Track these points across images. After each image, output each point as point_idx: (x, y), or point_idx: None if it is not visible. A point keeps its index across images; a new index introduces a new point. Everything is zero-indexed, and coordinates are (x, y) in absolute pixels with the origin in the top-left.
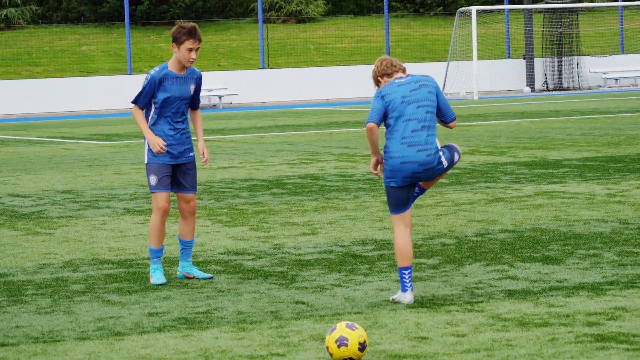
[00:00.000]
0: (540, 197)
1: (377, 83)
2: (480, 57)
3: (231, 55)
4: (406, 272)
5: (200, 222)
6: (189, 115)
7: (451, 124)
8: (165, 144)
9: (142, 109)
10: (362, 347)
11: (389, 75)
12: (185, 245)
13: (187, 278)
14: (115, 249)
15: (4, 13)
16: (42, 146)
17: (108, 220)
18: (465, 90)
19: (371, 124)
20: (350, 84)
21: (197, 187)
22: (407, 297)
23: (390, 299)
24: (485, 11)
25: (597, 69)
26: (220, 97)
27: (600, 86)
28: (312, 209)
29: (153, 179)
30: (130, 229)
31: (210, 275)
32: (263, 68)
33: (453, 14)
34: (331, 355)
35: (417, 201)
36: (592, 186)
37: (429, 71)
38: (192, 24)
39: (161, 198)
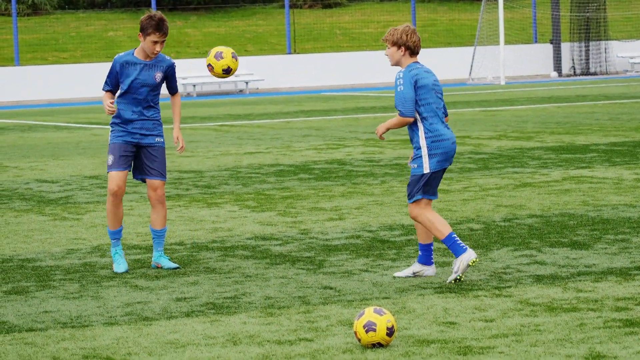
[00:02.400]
0: (568, 182)
1: (397, 48)
2: (507, 42)
3: (258, 40)
4: (455, 235)
5: (228, 207)
6: (157, 105)
7: (447, 119)
8: (113, 101)
9: (110, 92)
10: (390, 332)
11: (413, 53)
12: (156, 235)
13: (157, 268)
14: (142, 234)
15: None
16: (69, 132)
17: (135, 205)
18: (492, 75)
19: (411, 119)
20: (377, 69)
21: (221, 171)
22: (471, 253)
23: (411, 273)
24: None
25: (624, 53)
26: (247, 83)
27: (627, 71)
28: (339, 194)
29: (110, 158)
30: None
31: (177, 265)
32: (289, 53)
33: None
34: (359, 340)
35: (444, 186)
36: (620, 171)
37: (456, 56)
38: (160, 15)
39: (112, 179)
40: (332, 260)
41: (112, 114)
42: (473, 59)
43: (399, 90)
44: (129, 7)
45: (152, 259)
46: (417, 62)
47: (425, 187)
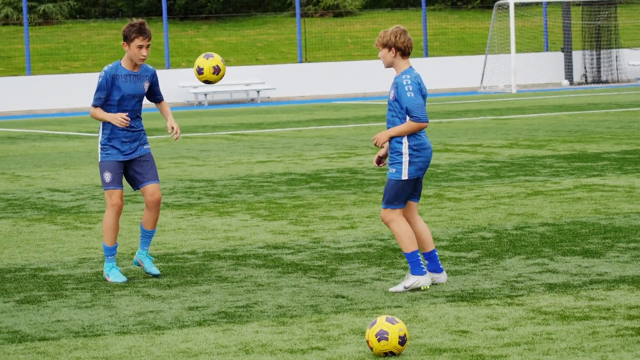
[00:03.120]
0: (579, 190)
1: (388, 49)
2: (518, 50)
3: (269, 49)
4: (418, 254)
5: (240, 216)
6: (140, 113)
7: None
8: (126, 114)
9: (100, 107)
10: (403, 340)
11: (404, 55)
12: (145, 234)
13: (138, 265)
14: (154, 243)
15: (42, 8)
16: (81, 141)
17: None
18: (503, 84)
19: (427, 124)
20: (388, 78)
21: (233, 180)
22: (426, 278)
23: (402, 288)
24: (523, 4)
25: (636, 61)
26: (258, 92)
27: (639, 79)
28: (351, 203)
29: (107, 176)
30: (169, 223)
31: (158, 272)
32: (301, 62)
33: (491, 7)
34: (371, 349)
35: (456, 194)
36: (632, 179)
37: (467, 64)
38: (141, 20)
39: (115, 195)
40: (344, 269)
41: (127, 125)
42: (484, 67)
43: (408, 95)
44: (139, 17)
45: (136, 254)
46: (411, 67)
47: (400, 195)
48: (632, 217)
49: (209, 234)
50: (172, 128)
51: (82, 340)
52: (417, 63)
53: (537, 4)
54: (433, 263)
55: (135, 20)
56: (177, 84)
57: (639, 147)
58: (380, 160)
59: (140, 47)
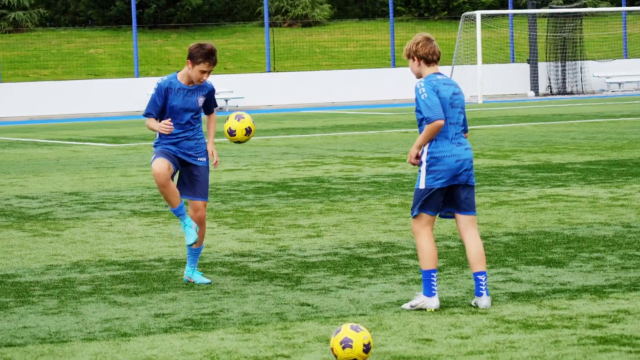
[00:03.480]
0: (543, 200)
1: (412, 60)
2: (484, 61)
3: (237, 58)
4: (434, 275)
5: (207, 224)
6: (199, 125)
7: (466, 134)
8: (169, 120)
9: (153, 117)
10: (367, 348)
11: (428, 62)
12: (192, 252)
13: (189, 282)
14: (121, 251)
15: (12, 16)
16: (49, 148)
17: (115, 222)
18: (470, 94)
19: (441, 122)
20: (356, 87)
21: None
22: (435, 300)
23: (409, 306)
24: (489, 15)
25: (600, 73)
26: (226, 100)
27: (603, 90)
28: (317, 212)
29: (155, 155)
30: (136, 230)
31: (209, 280)
32: (269, 71)
33: (458, 18)
34: (336, 356)
35: None
36: (595, 190)
37: None
38: (211, 45)
39: (155, 164)
40: (309, 277)
41: (170, 132)
42: (451, 77)
43: (422, 98)
44: (109, 25)
45: (185, 273)
46: (438, 73)
47: (425, 202)
48: (595, 227)
49: (176, 241)
50: (212, 154)
51: (48, 347)
52: (384, 74)
53: (503, 15)
54: (476, 285)
55: (205, 43)
56: (145, 92)
57: (603, 157)
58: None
59: (203, 72)
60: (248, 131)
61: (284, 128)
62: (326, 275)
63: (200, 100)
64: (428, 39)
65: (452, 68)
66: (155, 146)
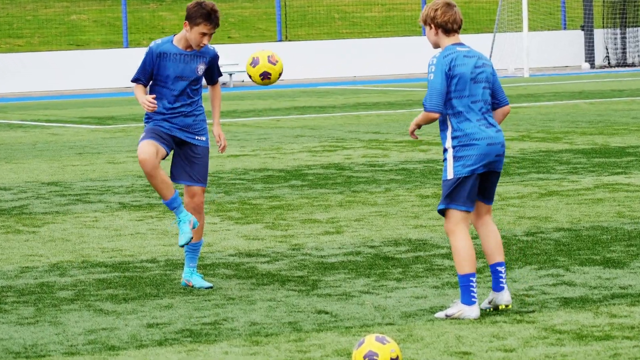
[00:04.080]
0: (600, 190)
1: (429, 27)
2: (531, 28)
3: (243, 26)
4: (473, 280)
5: (208, 219)
6: (199, 98)
7: (507, 108)
8: (154, 96)
9: (143, 85)
10: None
11: (447, 32)
12: (189, 248)
13: (188, 286)
14: (109, 250)
15: None
16: (24, 131)
17: (101, 216)
18: (514, 67)
19: (435, 115)
20: (381, 58)
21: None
22: (474, 310)
23: (444, 315)
24: None
25: None
26: (230, 75)
27: None
28: (336, 204)
29: (143, 134)
30: (126, 226)
31: (210, 284)
32: (280, 40)
33: None
34: None
35: None
36: None
37: (472, 44)
38: (212, 4)
39: (141, 148)
40: (327, 281)
41: (153, 110)
42: (492, 47)
43: (429, 79)
44: None
45: (183, 275)
46: (459, 44)
47: (456, 195)
48: None
49: (172, 239)
50: (219, 138)
51: None
52: (414, 43)
53: None
54: (493, 279)
55: (206, 2)
56: (136, 65)
57: None
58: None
59: (204, 34)
60: (265, 76)
61: (298, 107)
62: (347, 278)
63: (200, 68)
64: (448, 5)
65: (494, 36)
66: (146, 122)
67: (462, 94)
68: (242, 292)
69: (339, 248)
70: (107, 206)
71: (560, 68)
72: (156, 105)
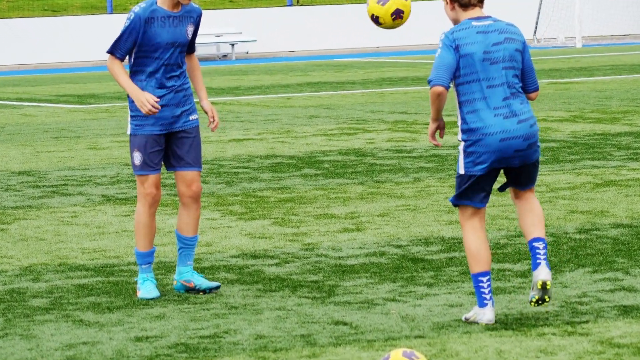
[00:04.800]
0: None
1: (445, 2)
2: None
3: None
4: (484, 280)
5: (206, 213)
6: (185, 67)
7: (532, 95)
8: (157, 99)
9: (121, 59)
10: None
11: (464, 6)
12: (185, 244)
13: (188, 289)
14: (90, 251)
15: None
16: None
17: (81, 211)
18: (564, 36)
19: (440, 88)
20: (410, 26)
21: (202, 165)
22: (487, 314)
23: (463, 318)
24: None
25: None
26: (232, 45)
27: None
28: (357, 196)
29: (137, 157)
30: (110, 223)
31: (217, 284)
32: (290, 5)
33: None
34: None
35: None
36: None
37: (514, 9)
38: None
39: (148, 182)
40: (346, 286)
41: (154, 114)
42: (539, 13)
43: (435, 55)
44: None
45: (176, 277)
46: (478, 18)
47: (466, 191)
48: None
49: (164, 237)
50: (211, 112)
51: None
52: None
53: None
54: (532, 257)
55: None
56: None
57: None
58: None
59: None
60: (398, 14)
61: (312, 82)
62: (369, 284)
63: (190, 30)
64: None
65: (540, 2)
66: (133, 117)
67: (472, 77)
68: (246, 299)
69: (360, 248)
70: (88, 199)
71: (618, 37)
72: (158, 108)
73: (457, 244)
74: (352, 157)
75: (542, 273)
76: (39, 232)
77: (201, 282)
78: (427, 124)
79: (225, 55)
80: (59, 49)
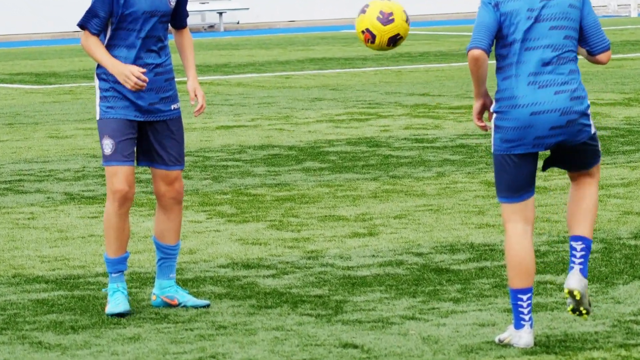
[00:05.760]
0: None
1: None
2: None
3: None
4: (524, 297)
5: (189, 215)
6: (168, 43)
7: (601, 57)
8: (144, 70)
9: (96, 34)
10: None
11: None
12: (166, 253)
13: (169, 305)
14: (50, 259)
15: None
16: None
17: (39, 212)
18: (616, 3)
19: (477, 52)
20: None
21: (185, 158)
22: (524, 337)
23: (497, 340)
24: None
25: None
26: (220, 14)
27: None
28: (369, 195)
29: (108, 145)
30: (75, 226)
31: (206, 302)
32: None
33: None
34: None
35: (539, 181)
36: None
37: None
38: None
39: (119, 177)
40: (356, 302)
41: (142, 88)
42: None
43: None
44: None
45: (155, 291)
46: None
47: (497, 181)
48: None
49: (140, 244)
50: (196, 97)
51: None
52: None
53: None
54: (570, 256)
55: None
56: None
57: None
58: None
59: None
60: (394, 41)
61: (315, 58)
62: (384, 299)
63: None
64: None
65: None
66: (103, 97)
67: (510, 39)
68: (237, 317)
69: (373, 256)
70: (48, 198)
71: None
72: (145, 82)
73: (488, 251)
74: (364, 147)
75: (571, 280)
76: None
77: (186, 299)
78: (452, 107)
79: (212, 26)
80: (13, 19)
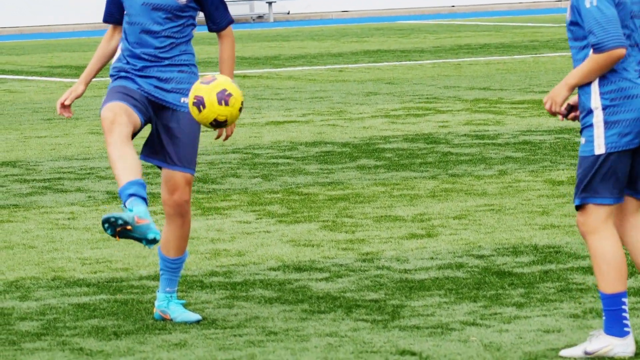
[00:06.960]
0: None
1: None
2: None
3: None
4: (625, 301)
5: (238, 215)
6: (185, 42)
7: None
8: (66, 101)
9: (115, 24)
10: None
11: None
12: (165, 266)
13: (162, 319)
14: (92, 262)
15: None
16: None
17: (80, 212)
18: None
19: (622, 51)
20: None
21: (226, 154)
22: (630, 345)
23: (583, 352)
24: None
25: None
26: (270, 4)
27: None
28: (427, 194)
29: (107, 97)
30: None
31: (197, 317)
32: None
33: None
34: None
35: None
36: None
37: None
38: None
39: (106, 106)
40: (414, 307)
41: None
42: None
43: (587, 6)
44: None
45: (156, 305)
46: None
47: (597, 182)
48: None
49: (188, 244)
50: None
51: None
52: None
53: None
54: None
55: None
56: None
57: None
58: (569, 112)
59: None
60: (218, 124)
61: (370, 50)
62: (443, 303)
63: None
64: None
65: None
66: (112, 75)
67: (625, 31)
68: (288, 323)
69: (432, 259)
70: (90, 197)
71: None
72: (69, 114)
73: (553, 253)
74: (421, 144)
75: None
76: (27, 238)
77: (177, 314)
78: (515, 102)
79: (260, 17)
80: (51, 9)
